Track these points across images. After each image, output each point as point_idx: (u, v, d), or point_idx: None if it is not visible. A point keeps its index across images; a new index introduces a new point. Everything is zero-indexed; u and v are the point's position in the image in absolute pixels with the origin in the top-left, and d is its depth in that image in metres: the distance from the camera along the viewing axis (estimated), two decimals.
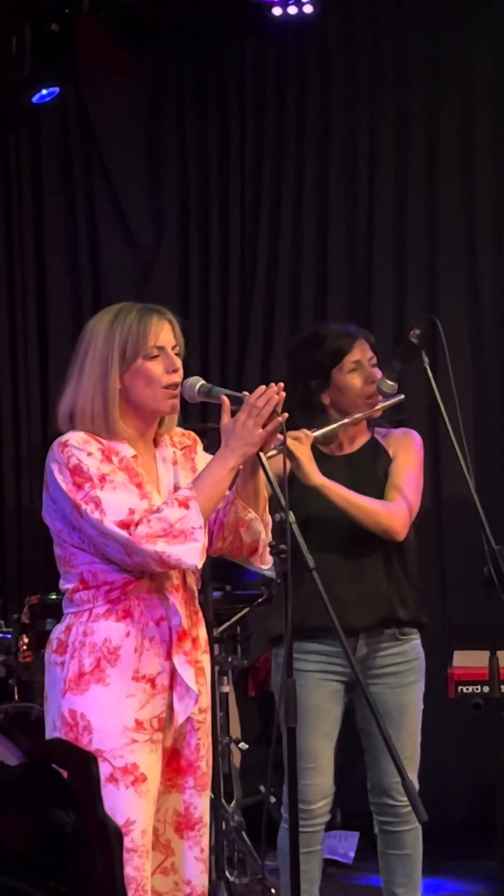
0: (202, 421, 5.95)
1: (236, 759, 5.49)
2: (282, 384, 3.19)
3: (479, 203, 6.11)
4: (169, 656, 3.13)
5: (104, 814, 1.01)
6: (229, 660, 5.37)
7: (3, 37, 6.01)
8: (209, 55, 6.59)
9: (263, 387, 3.19)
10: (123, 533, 3.01)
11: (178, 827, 3.20)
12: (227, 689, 5.38)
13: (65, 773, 1.01)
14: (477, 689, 4.80)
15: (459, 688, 4.82)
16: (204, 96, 6.61)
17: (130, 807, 3.04)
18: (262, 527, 3.29)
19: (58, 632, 3.17)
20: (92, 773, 1.01)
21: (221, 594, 5.37)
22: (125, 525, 3.02)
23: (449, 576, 5.99)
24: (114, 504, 3.04)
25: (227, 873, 4.85)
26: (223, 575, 5.33)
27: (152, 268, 6.66)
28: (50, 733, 3.17)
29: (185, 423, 5.73)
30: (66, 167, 6.64)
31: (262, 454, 3.23)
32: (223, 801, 4.87)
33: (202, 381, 3.45)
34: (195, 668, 3.18)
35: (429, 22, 6.18)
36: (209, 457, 3.33)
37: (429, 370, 4.03)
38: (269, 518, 3.33)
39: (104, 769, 3.01)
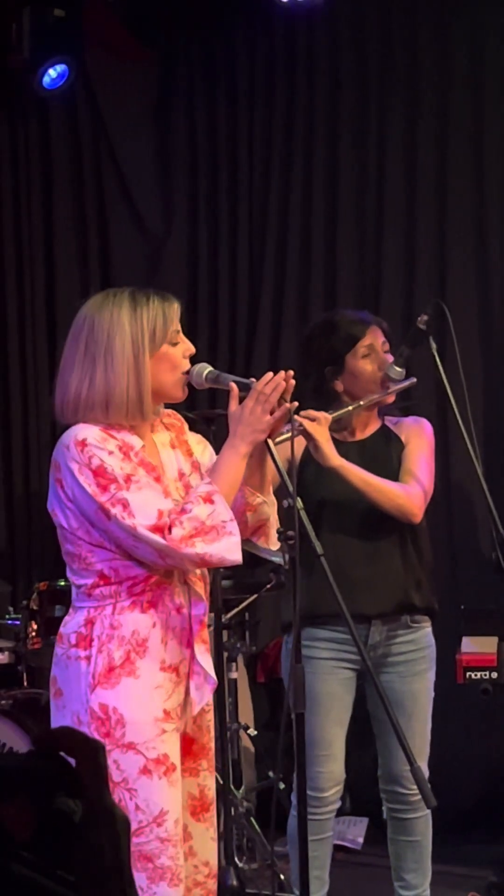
0: (210, 407, 5.96)
1: (247, 745, 5.50)
2: (291, 371, 3.18)
3: (488, 189, 6.09)
4: (188, 644, 3.13)
5: (112, 802, 1.01)
6: (238, 646, 5.37)
7: (5, 23, 6.00)
8: (218, 42, 6.57)
9: (271, 373, 3.18)
10: (160, 539, 2.98)
11: (194, 811, 3.21)
12: (236, 675, 5.39)
13: (73, 762, 1.01)
14: (486, 674, 4.80)
15: (468, 673, 4.82)
16: (213, 83, 6.59)
17: (164, 797, 3.05)
18: (269, 509, 3.28)
19: (75, 626, 3.12)
20: (100, 762, 1.01)
21: (230, 581, 5.37)
22: (158, 529, 2.99)
23: (457, 562, 5.99)
24: (142, 506, 3.01)
25: (237, 859, 4.87)
26: None
27: (161, 255, 6.65)
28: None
29: (193, 409, 5.76)
30: (76, 154, 6.64)
31: (269, 440, 3.23)
32: (232, 786, 4.88)
33: (210, 368, 3.45)
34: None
35: (439, 8, 6.16)
36: (198, 436, 3.34)
37: (437, 356, 4.03)
38: (273, 498, 3.32)
39: (137, 761, 3.02)
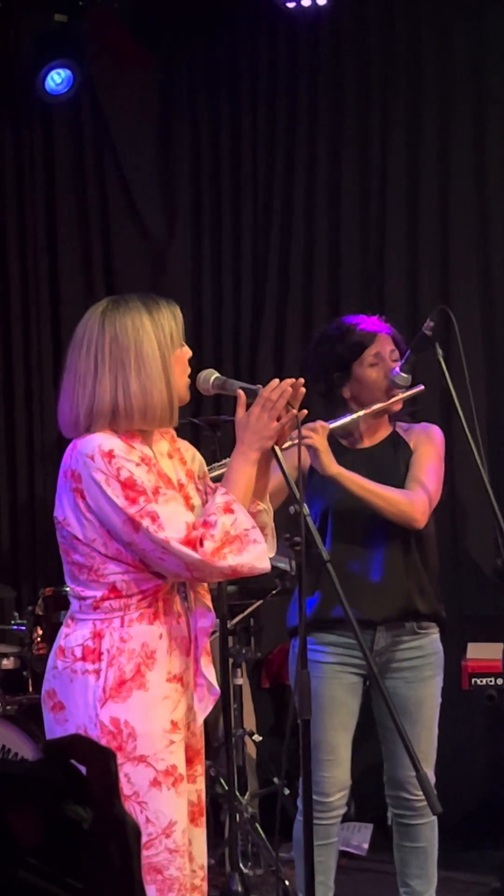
0: (216, 413, 5.96)
1: (251, 751, 5.50)
2: (301, 380, 3.18)
3: (492, 195, 6.09)
4: (190, 654, 3.14)
5: (122, 810, 1.01)
6: (243, 652, 5.37)
7: (6, 28, 6.00)
8: (221, 46, 6.57)
9: (277, 380, 3.18)
10: (193, 553, 2.98)
11: (192, 816, 3.21)
12: (240, 681, 5.38)
13: (83, 769, 1.01)
14: (490, 680, 4.81)
15: (473, 680, 4.83)
16: (216, 87, 6.59)
17: (172, 808, 3.05)
18: (267, 517, 3.28)
19: (80, 639, 3.10)
20: (111, 770, 1.01)
21: (236, 586, 5.37)
22: (190, 543, 2.98)
23: (463, 568, 5.99)
24: (171, 519, 3.00)
25: (241, 865, 4.86)
26: None
27: (164, 259, 6.66)
28: None
29: (198, 415, 5.76)
30: (79, 159, 6.64)
31: (276, 447, 3.23)
32: (237, 792, 4.87)
33: (216, 374, 3.45)
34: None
35: (442, 14, 6.16)
36: (185, 443, 3.34)
37: (443, 362, 4.04)
38: (270, 506, 3.32)
39: (148, 774, 3.02)
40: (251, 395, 3.24)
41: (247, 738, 5.40)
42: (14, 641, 5.54)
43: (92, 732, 3.02)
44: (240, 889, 4.51)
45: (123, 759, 2.97)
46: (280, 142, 6.44)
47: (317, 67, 6.38)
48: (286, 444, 3.44)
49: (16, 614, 5.61)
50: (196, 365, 3.29)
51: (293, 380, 3.18)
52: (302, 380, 3.18)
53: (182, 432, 6.08)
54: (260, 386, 3.25)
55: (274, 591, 5.29)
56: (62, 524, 3.13)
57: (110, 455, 3.03)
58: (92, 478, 3.04)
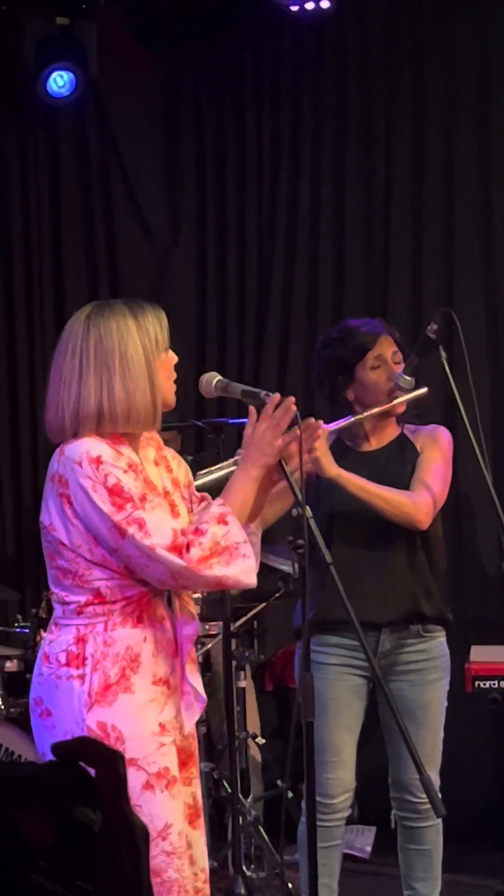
0: (219, 416, 5.97)
1: (255, 754, 5.50)
2: (292, 398, 3.18)
3: (496, 199, 6.10)
4: (173, 655, 3.14)
5: (131, 813, 1.02)
6: (246, 654, 5.37)
7: (8, 31, 6.01)
8: (226, 49, 6.58)
9: (279, 395, 3.19)
10: (178, 560, 2.98)
11: (190, 819, 3.21)
12: (244, 683, 5.38)
13: (92, 772, 1.02)
14: (494, 683, 4.81)
15: (477, 682, 4.82)
16: (220, 91, 6.60)
17: (167, 810, 3.06)
18: (257, 540, 3.28)
19: (64, 644, 3.10)
20: (119, 772, 1.01)
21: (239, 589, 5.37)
22: (175, 549, 2.99)
23: (466, 571, 5.99)
24: (158, 526, 3.01)
25: (245, 868, 4.86)
26: None
27: (169, 262, 6.66)
28: None
29: (201, 418, 5.76)
30: (83, 162, 6.64)
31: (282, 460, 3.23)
32: (240, 795, 4.87)
33: (219, 377, 3.46)
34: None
35: (446, 18, 6.17)
36: (172, 451, 3.35)
37: (446, 365, 4.04)
38: (258, 528, 3.31)
39: (139, 777, 3.02)
40: (253, 398, 3.25)
41: (250, 741, 5.40)
42: (17, 644, 5.55)
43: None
44: (243, 892, 4.51)
45: None
46: (284, 146, 6.45)
47: (321, 72, 6.38)
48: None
49: (19, 617, 5.61)
50: (200, 368, 3.30)
51: (293, 398, 3.18)
52: (292, 398, 3.18)
53: (185, 435, 6.12)
54: (264, 391, 3.26)
55: (277, 594, 5.29)
56: (48, 529, 3.15)
57: (98, 461, 3.04)
58: (79, 484, 3.04)
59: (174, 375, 3.22)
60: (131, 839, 1.00)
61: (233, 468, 3.63)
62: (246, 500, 3.16)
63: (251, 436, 3.18)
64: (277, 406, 3.18)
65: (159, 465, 3.25)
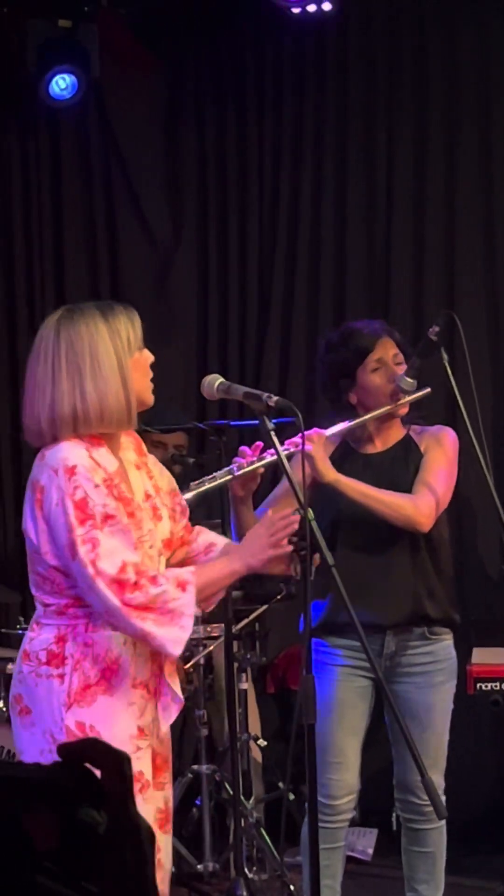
0: (221, 418, 5.97)
1: (256, 756, 5.50)
2: (297, 518, 3.19)
3: (497, 200, 6.10)
4: (153, 659, 3.14)
5: (137, 814, 1.02)
6: (248, 657, 5.37)
7: (11, 34, 6.01)
8: (228, 51, 6.58)
9: (289, 510, 3.21)
10: (114, 600, 2.97)
11: (161, 823, 3.22)
12: (245, 685, 5.38)
13: (98, 772, 1.02)
14: (496, 685, 4.80)
15: (478, 684, 4.82)
16: (222, 93, 6.60)
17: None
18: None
19: (45, 643, 3.12)
20: (125, 773, 1.01)
21: (241, 591, 5.36)
22: (117, 582, 2.98)
23: (467, 572, 5.99)
24: (110, 552, 3.00)
25: (246, 870, 4.86)
26: None
27: (171, 264, 6.66)
28: (42, 746, 3.09)
29: (203, 420, 5.75)
30: (85, 164, 6.64)
31: (283, 456, 3.23)
32: (242, 797, 4.87)
33: (221, 379, 3.47)
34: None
35: (448, 20, 6.17)
36: (153, 457, 3.35)
37: (448, 367, 4.04)
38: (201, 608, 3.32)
39: None
40: (255, 400, 3.25)
41: (252, 743, 5.40)
42: (19, 646, 5.51)
43: (58, 737, 3.03)
44: (245, 894, 4.51)
45: None
46: (285, 147, 6.45)
47: (323, 73, 6.39)
48: (287, 451, 3.46)
49: (21, 619, 5.60)
50: (201, 370, 3.30)
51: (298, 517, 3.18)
52: (298, 518, 3.18)
53: (188, 437, 6.12)
54: (265, 393, 3.26)
55: (279, 597, 5.29)
56: (26, 533, 3.17)
57: (72, 472, 3.05)
58: (52, 491, 3.07)
59: (150, 374, 3.23)
60: (137, 840, 1.00)
61: (227, 478, 3.63)
62: (215, 587, 3.20)
63: (251, 535, 3.20)
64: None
65: (140, 470, 3.26)
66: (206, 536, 3.43)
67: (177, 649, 3.06)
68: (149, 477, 3.27)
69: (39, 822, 0.97)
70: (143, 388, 3.19)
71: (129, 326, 3.18)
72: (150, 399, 3.22)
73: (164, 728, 3.17)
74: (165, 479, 3.35)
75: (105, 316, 3.16)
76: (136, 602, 2.98)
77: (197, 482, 3.68)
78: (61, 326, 3.17)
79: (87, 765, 1.01)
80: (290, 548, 3.18)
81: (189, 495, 3.64)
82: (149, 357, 3.23)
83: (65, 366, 3.12)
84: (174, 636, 3.03)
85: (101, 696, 3.05)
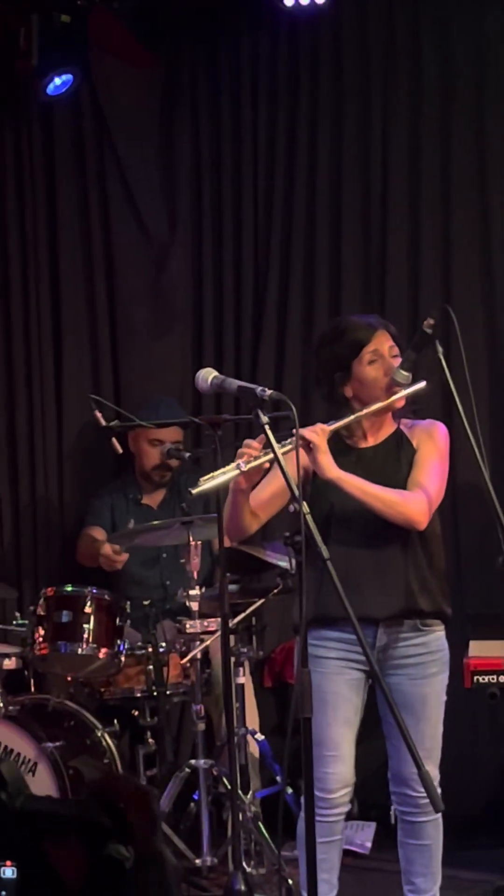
0: (217, 412, 5.97)
1: (254, 750, 5.50)
2: None
3: (492, 193, 6.10)
4: None
5: (163, 848, 1.02)
6: (245, 651, 5.37)
7: (12, 29, 5.99)
8: (222, 46, 6.57)
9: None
10: None
11: None
12: (243, 680, 5.38)
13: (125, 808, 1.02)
14: (493, 678, 4.81)
15: (476, 677, 4.83)
16: (217, 87, 6.59)
17: None
18: None
19: None
20: (152, 809, 1.01)
21: (237, 585, 5.37)
22: None
23: (464, 566, 5.99)
24: None
25: (244, 864, 4.86)
26: (238, 566, 5.34)
27: (166, 259, 6.65)
28: None
29: (198, 414, 5.74)
30: (80, 159, 6.63)
31: (277, 449, 3.22)
32: (239, 791, 4.87)
33: (215, 373, 3.46)
34: None
35: (442, 11, 6.16)
36: None
37: (443, 360, 4.03)
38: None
39: None
40: (249, 394, 3.25)
41: (249, 737, 5.40)
42: (16, 642, 5.54)
43: None
44: (243, 888, 4.51)
45: None
46: (280, 140, 6.44)
47: (317, 66, 6.38)
48: (283, 449, 3.46)
49: (17, 614, 5.61)
50: (197, 365, 3.29)
51: None
52: None
53: (183, 432, 6.12)
54: (259, 387, 3.26)
55: (275, 590, 5.29)
56: None
57: None
58: None
59: None
60: (162, 874, 1.00)
61: (235, 473, 3.63)
62: None
63: None
64: None
65: None
66: None
67: None
68: None
69: (68, 857, 0.97)
70: None
71: None
72: None
73: None
74: None
75: None
76: None
77: (206, 477, 3.69)
78: None
79: (115, 801, 1.01)
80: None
81: (199, 490, 3.64)
82: None
83: None
84: None
85: None
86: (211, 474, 3.69)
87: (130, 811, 0.95)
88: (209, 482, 3.66)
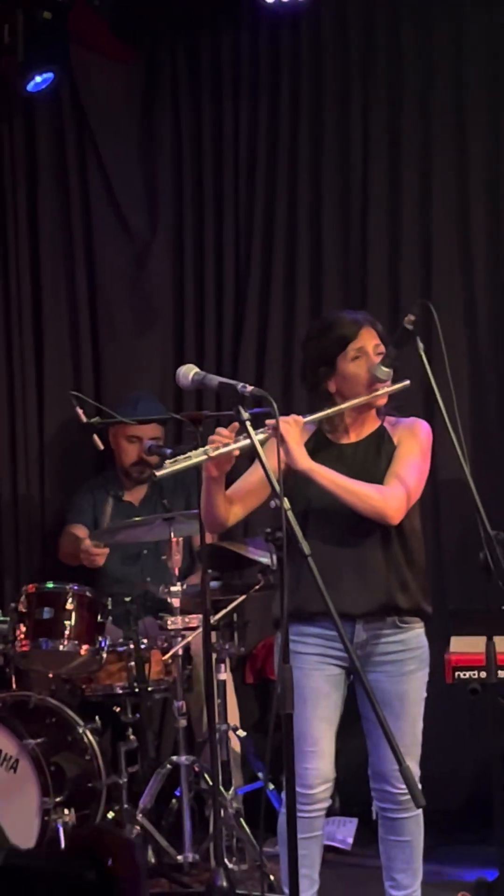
0: (197, 409, 5.97)
1: (235, 746, 5.50)
2: None
3: (473, 188, 6.11)
4: None
5: None
6: (227, 647, 5.37)
7: None
8: (203, 43, 6.57)
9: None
10: None
11: None
12: (224, 676, 5.38)
13: (108, 860, 1.01)
14: (474, 674, 4.81)
15: (457, 673, 4.83)
16: (198, 84, 6.59)
17: None
18: None
19: None
20: (136, 861, 1.00)
21: (219, 582, 5.37)
22: None
23: (445, 561, 6.00)
24: None
25: (226, 860, 4.86)
26: (220, 563, 5.34)
27: (147, 256, 6.65)
28: None
29: (180, 411, 5.74)
30: (61, 156, 6.62)
31: (256, 441, 3.22)
32: (221, 788, 4.88)
33: (196, 369, 3.46)
34: None
35: (422, 9, 6.17)
36: None
37: (424, 356, 4.03)
38: None
39: None
40: (229, 390, 3.24)
41: (231, 734, 5.41)
42: None
43: None
44: (225, 884, 4.51)
45: None
46: (262, 137, 6.45)
47: (298, 64, 6.38)
48: (261, 436, 3.45)
49: None
50: (178, 361, 3.29)
51: None
52: None
53: (164, 428, 6.11)
54: (240, 383, 3.26)
55: (257, 587, 5.30)
56: None
57: None
58: None
59: None
60: None
61: (202, 458, 3.63)
62: None
63: None
64: None
65: None
66: None
67: None
68: None
69: None
70: None
71: None
72: None
73: None
74: None
75: None
76: None
77: (171, 460, 3.68)
78: None
79: (99, 854, 1.01)
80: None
81: (163, 472, 3.63)
82: None
83: None
84: None
85: None
86: (175, 458, 3.69)
87: (115, 864, 0.94)
88: (174, 465, 3.65)
